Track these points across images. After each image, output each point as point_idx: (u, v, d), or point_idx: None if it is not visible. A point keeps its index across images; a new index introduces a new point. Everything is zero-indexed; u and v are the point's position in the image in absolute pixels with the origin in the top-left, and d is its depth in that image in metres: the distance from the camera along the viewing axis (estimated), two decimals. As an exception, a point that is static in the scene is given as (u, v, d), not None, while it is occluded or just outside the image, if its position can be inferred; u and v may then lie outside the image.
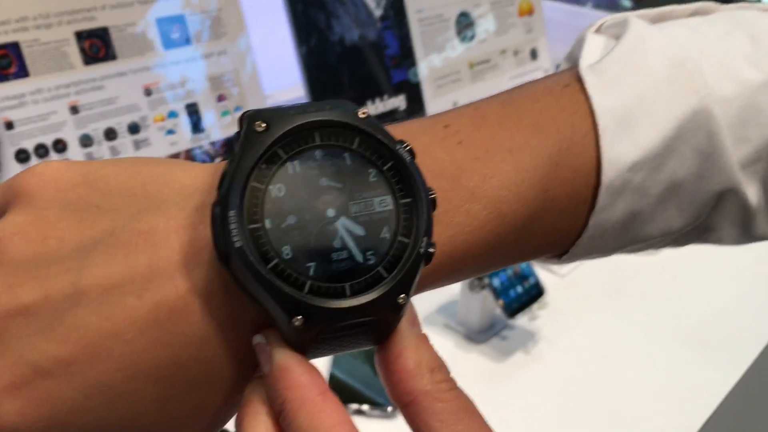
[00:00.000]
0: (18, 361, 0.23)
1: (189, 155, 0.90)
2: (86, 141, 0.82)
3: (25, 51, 0.78)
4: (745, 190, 0.31)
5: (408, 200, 0.25)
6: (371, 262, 0.24)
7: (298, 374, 0.23)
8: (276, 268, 0.23)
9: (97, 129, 0.83)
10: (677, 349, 0.87)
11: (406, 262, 0.24)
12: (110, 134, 0.84)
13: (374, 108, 1.05)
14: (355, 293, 0.23)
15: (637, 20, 0.32)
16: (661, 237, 0.33)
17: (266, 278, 0.22)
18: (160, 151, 0.88)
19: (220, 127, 0.93)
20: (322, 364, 0.78)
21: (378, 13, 1.06)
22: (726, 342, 0.88)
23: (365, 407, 0.74)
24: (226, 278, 0.24)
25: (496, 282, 0.83)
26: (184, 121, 0.90)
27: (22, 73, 0.78)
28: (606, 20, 0.34)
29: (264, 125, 0.24)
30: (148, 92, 0.87)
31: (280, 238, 0.23)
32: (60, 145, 0.81)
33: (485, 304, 0.86)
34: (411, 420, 0.24)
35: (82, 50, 0.81)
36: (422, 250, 0.24)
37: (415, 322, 0.25)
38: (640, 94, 0.30)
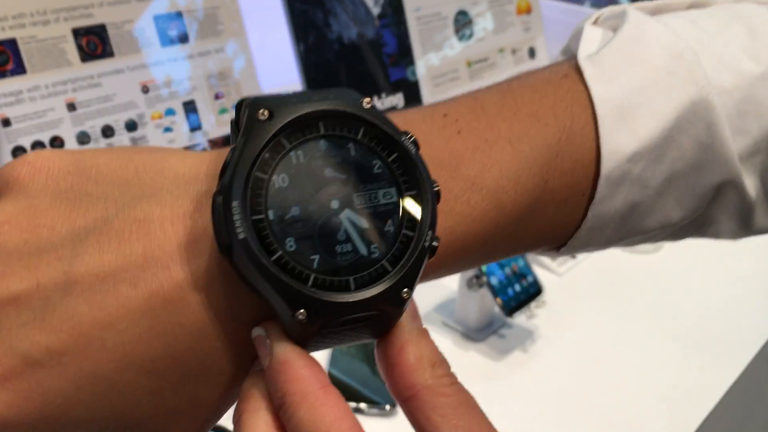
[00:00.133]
0: (7, 351, 0.22)
1: (186, 153, 0.90)
2: (83, 138, 0.82)
3: (22, 48, 0.77)
4: (744, 182, 0.31)
5: (412, 193, 0.24)
6: (375, 255, 0.23)
7: (299, 367, 0.22)
8: (280, 260, 0.22)
9: (94, 126, 0.83)
10: (675, 348, 0.87)
11: (411, 256, 0.24)
12: (107, 132, 0.84)
13: (372, 106, 1.05)
14: (359, 287, 0.23)
15: (635, 11, 0.32)
16: (659, 229, 0.32)
17: (270, 271, 0.22)
18: (157, 149, 0.87)
19: (217, 124, 0.92)
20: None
21: (376, 11, 1.06)
22: (724, 341, 0.88)
23: (363, 406, 0.74)
24: (224, 268, 0.23)
25: (494, 280, 0.83)
26: (181, 119, 0.89)
27: (19, 69, 0.77)
28: (603, 12, 0.34)
29: (267, 113, 0.23)
30: (145, 89, 0.86)
31: (284, 229, 0.23)
32: (57, 143, 0.80)
33: (483, 303, 0.86)
34: (412, 414, 0.24)
35: (80, 47, 0.81)
36: (427, 244, 0.24)
37: (416, 316, 0.25)
38: (639, 85, 0.30)
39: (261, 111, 0.23)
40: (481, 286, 0.83)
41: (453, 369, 0.24)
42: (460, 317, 0.88)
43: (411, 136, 0.25)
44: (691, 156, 0.30)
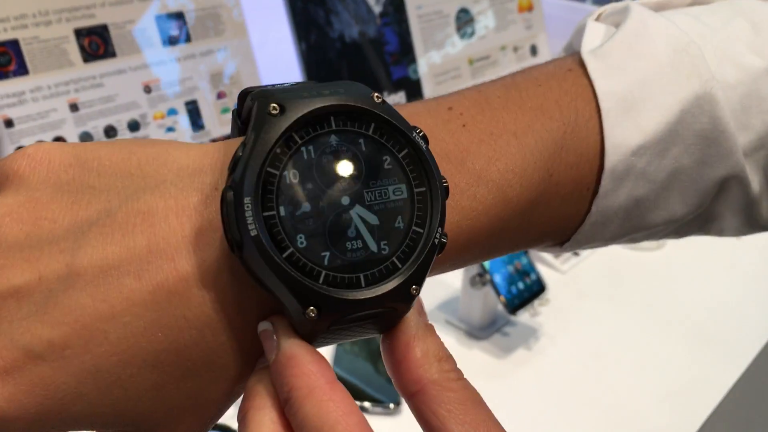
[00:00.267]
0: (8, 345, 0.22)
1: (189, 153, 0.90)
2: (86, 139, 0.82)
3: (25, 48, 0.77)
4: (748, 177, 0.31)
5: (422, 189, 0.24)
6: (385, 252, 0.23)
7: (307, 362, 0.22)
8: (291, 257, 0.22)
9: (96, 127, 0.83)
10: (679, 345, 0.87)
11: (421, 253, 0.24)
12: (110, 132, 0.84)
13: (374, 105, 1.05)
14: (369, 284, 0.23)
15: (638, 7, 0.32)
16: (663, 225, 0.32)
17: (282, 268, 0.22)
18: (159, 149, 0.88)
19: (219, 124, 0.92)
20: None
21: (378, 9, 1.06)
22: (728, 338, 0.88)
23: (367, 404, 0.74)
24: (230, 262, 0.23)
25: (497, 278, 0.83)
26: (183, 119, 0.89)
27: (22, 70, 0.77)
28: (606, 9, 0.34)
29: (278, 108, 0.23)
30: (147, 89, 0.86)
31: (295, 226, 0.22)
32: (59, 143, 0.80)
33: (487, 301, 0.85)
34: (418, 409, 0.23)
35: (82, 48, 0.81)
36: (436, 241, 0.24)
37: (422, 311, 0.25)
38: (643, 79, 0.29)
39: (272, 105, 0.23)
40: (484, 284, 0.83)
41: (457, 367, 0.24)
42: (463, 315, 0.88)
43: (420, 132, 0.25)
44: (695, 150, 0.30)
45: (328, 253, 0.23)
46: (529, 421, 0.74)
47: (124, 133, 0.85)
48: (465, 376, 0.24)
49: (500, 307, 0.86)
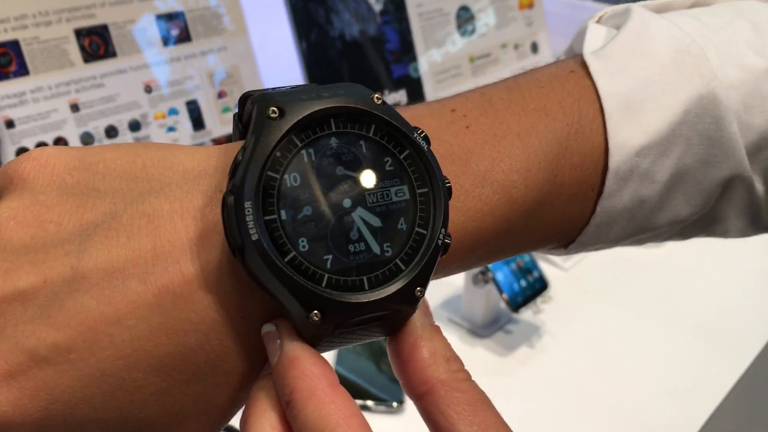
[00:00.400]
0: (13, 348, 0.22)
1: (190, 152, 0.90)
2: (87, 139, 0.82)
3: (25, 49, 0.77)
4: (752, 177, 0.31)
5: (425, 190, 0.24)
6: (389, 254, 0.23)
7: (309, 365, 0.22)
8: (293, 261, 0.22)
9: (97, 127, 0.83)
10: (682, 342, 0.87)
11: (424, 255, 0.24)
12: (111, 132, 0.84)
13: (375, 103, 1.05)
14: (373, 287, 0.23)
15: (639, 9, 0.32)
16: (668, 226, 0.32)
17: (284, 272, 0.22)
18: (161, 149, 0.88)
19: (220, 123, 0.92)
20: (326, 360, 0.78)
21: (378, 7, 1.06)
22: (731, 334, 0.88)
23: (370, 403, 0.74)
24: (234, 265, 0.23)
25: (500, 276, 0.83)
26: (184, 118, 0.89)
27: (22, 71, 0.77)
28: (607, 11, 0.34)
29: (277, 111, 0.23)
30: (148, 89, 0.86)
31: (297, 230, 0.22)
32: (61, 144, 0.80)
33: (489, 299, 0.85)
34: (426, 410, 0.23)
35: (82, 48, 0.81)
36: (440, 242, 0.24)
37: (428, 312, 0.25)
38: (645, 79, 0.29)
39: (271, 109, 0.23)
40: (487, 282, 0.83)
41: (460, 365, 0.24)
42: (466, 313, 0.88)
43: (422, 132, 0.25)
44: (698, 150, 0.30)
45: (330, 256, 0.23)
46: (533, 418, 0.74)
47: (125, 133, 0.85)
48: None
49: (503, 305, 0.86)
